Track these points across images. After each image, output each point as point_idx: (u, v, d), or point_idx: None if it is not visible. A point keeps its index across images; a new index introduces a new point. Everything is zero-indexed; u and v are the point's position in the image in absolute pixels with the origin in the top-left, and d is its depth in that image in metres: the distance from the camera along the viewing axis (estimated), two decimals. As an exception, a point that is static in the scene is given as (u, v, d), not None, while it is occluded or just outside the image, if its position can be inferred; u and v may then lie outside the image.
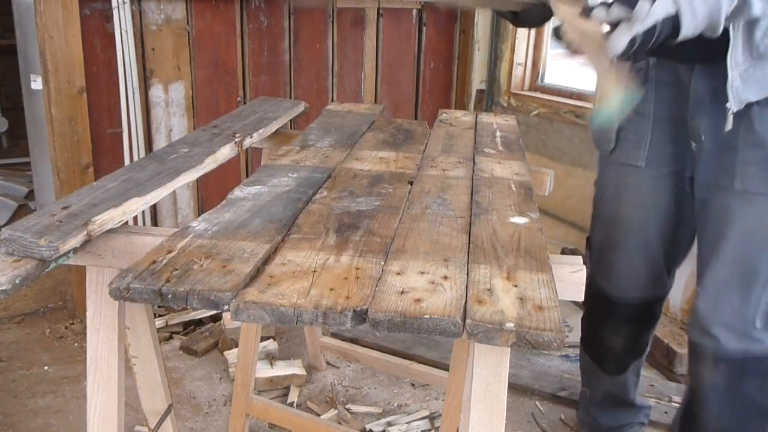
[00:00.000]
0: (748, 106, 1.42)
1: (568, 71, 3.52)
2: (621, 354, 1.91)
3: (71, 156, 2.56)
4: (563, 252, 3.01)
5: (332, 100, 3.21)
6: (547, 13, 1.43)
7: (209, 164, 1.42)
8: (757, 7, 1.23)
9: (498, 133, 1.83)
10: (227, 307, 0.85)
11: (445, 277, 0.92)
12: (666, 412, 2.20)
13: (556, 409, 2.28)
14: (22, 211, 3.92)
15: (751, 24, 1.33)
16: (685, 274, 2.21)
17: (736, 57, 1.36)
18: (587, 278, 1.83)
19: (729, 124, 1.42)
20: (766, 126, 1.43)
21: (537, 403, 2.31)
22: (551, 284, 0.92)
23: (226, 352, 2.49)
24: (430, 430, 2.15)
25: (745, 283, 1.51)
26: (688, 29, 1.17)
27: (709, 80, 1.47)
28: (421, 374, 2.19)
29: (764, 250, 1.49)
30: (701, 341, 1.58)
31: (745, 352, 1.53)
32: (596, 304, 1.88)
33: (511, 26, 3.44)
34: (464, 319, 0.81)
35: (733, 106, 1.40)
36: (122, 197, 1.16)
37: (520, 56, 3.47)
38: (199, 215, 2.06)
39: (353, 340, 2.53)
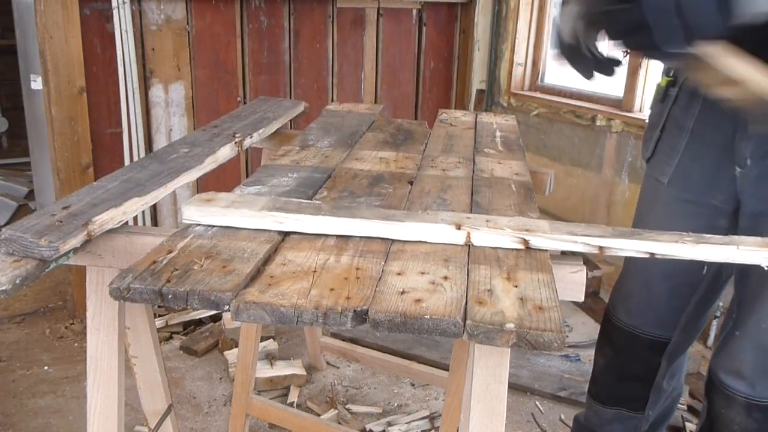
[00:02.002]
0: None
1: (568, 71, 3.52)
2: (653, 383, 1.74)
3: (71, 156, 2.56)
4: (563, 252, 3.01)
5: (332, 100, 3.21)
6: None
7: (209, 164, 1.42)
8: None
9: (498, 133, 1.83)
10: (227, 307, 0.84)
11: (446, 278, 0.92)
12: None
13: (556, 409, 2.28)
14: (22, 211, 3.92)
15: None
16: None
17: None
18: (605, 317, 1.68)
19: None
20: None
21: (537, 403, 2.31)
22: (551, 284, 0.92)
23: (226, 352, 2.49)
24: (430, 430, 2.15)
25: None
26: None
27: None
28: (421, 374, 2.19)
29: None
30: (734, 386, 1.46)
31: None
32: (616, 340, 1.75)
33: (511, 26, 3.45)
34: (465, 319, 0.81)
35: None
36: (122, 197, 1.16)
37: (520, 56, 3.47)
38: (199, 215, 2.05)
39: (353, 340, 2.53)
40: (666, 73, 1.55)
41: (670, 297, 1.62)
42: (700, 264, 1.53)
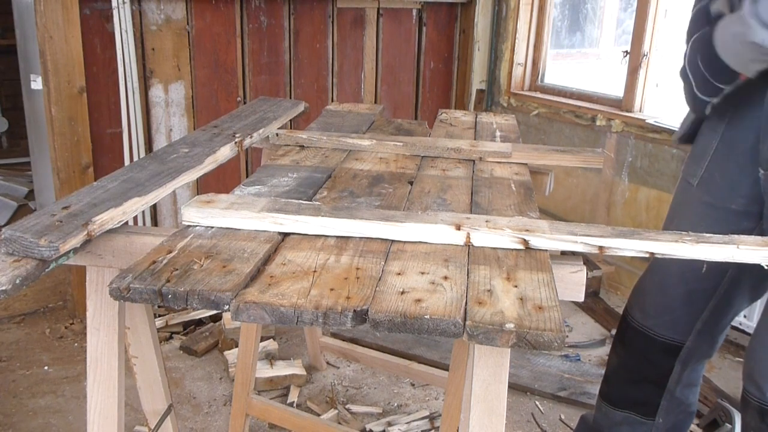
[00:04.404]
0: None
1: (568, 71, 3.52)
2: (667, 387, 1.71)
3: (71, 156, 2.56)
4: (563, 252, 3.01)
5: (332, 100, 3.21)
6: None
7: (209, 164, 1.42)
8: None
9: (498, 133, 1.83)
10: (227, 307, 0.85)
11: (446, 278, 0.92)
12: None
13: (556, 409, 2.28)
14: (22, 211, 3.92)
15: None
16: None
17: None
18: (622, 316, 1.65)
19: None
20: None
21: (537, 403, 2.31)
22: (551, 284, 0.92)
23: (226, 352, 2.49)
24: (430, 430, 2.15)
25: None
26: None
27: None
28: (421, 374, 2.19)
29: None
30: (749, 388, 1.48)
31: None
32: (630, 340, 1.72)
33: (511, 26, 3.44)
34: (464, 319, 0.81)
35: None
36: (122, 197, 1.16)
37: (520, 56, 3.47)
38: (199, 215, 2.05)
39: (353, 340, 2.53)
40: None
41: (685, 301, 1.61)
42: (718, 271, 1.52)
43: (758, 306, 1.57)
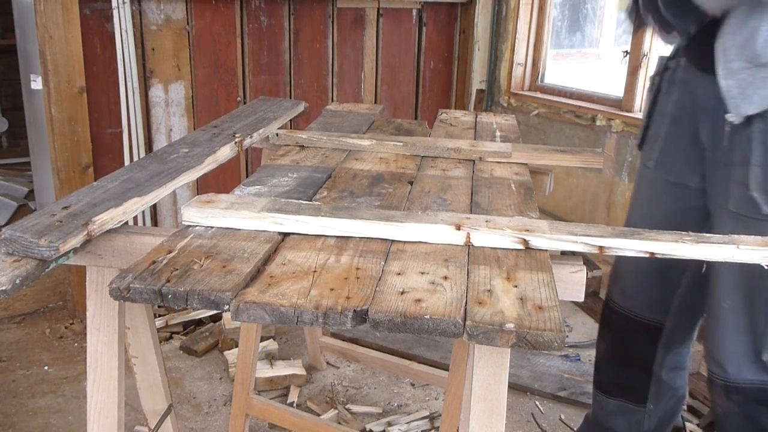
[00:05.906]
0: (749, 120, 1.31)
1: (568, 71, 3.52)
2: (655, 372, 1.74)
3: (71, 156, 2.56)
4: (563, 252, 3.00)
5: (332, 100, 3.21)
6: None
7: (209, 164, 1.42)
8: None
9: (498, 133, 1.83)
10: (227, 307, 0.85)
11: (446, 278, 0.92)
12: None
13: (556, 409, 2.28)
14: (22, 211, 3.92)
15: (753, 29, 1.25)
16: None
17: (729, 64, 1.28)
18: (604, 301, 1.68)
19: (726, 139, 1.34)
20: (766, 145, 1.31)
21: (537, 403, 2.31)
22: (551, 284, 0.92)
23: (226, 352, 2.49)
24: (430, 430, 2.15)
25: (747, 313, 1.42)
26: None
27: (713, 86, 1.37)
28: (421, 374, 2.19)
29: (763, 279, 1.36)
30: (712, 369, 1.51)
31: (759, 382, 1.44)
32: (613, 324, 1.76)
33: (511, 26, 3.45)
34: (464, 319, 0.81)
35: (734, 118, 1.31)
36: (122, 197, 1.16)
37: (520, 56, 3.47)
38: (199, 215, 2.05)
39: (353, 340, 2.53)
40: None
41: (659, 278, 1.66)
42: None
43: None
